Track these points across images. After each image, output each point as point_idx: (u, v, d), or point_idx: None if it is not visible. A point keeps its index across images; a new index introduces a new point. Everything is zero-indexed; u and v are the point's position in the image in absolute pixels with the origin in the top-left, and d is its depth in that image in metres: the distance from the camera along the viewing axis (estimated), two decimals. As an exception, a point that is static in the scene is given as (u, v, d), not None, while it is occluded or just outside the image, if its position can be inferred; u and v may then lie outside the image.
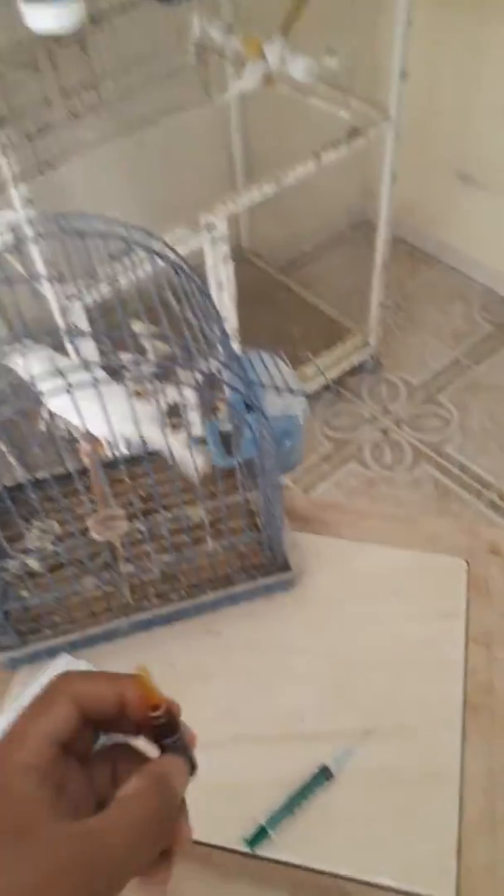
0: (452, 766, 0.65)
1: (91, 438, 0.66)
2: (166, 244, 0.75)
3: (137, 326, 0.72)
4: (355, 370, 2.23)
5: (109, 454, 0.81)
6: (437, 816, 0.63)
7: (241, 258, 2.56)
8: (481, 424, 2.08)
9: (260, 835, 0.60)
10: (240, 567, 0.77)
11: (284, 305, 2.36)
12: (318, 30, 1.71)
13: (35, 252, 1.27)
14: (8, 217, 1.24)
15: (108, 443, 0.76)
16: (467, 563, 0.78)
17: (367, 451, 2.05)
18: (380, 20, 2.14)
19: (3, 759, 0.31)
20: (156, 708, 0.34)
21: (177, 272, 0.69)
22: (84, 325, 1.40)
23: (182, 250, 1.60)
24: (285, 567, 0.76)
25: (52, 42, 1.08)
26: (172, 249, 0.76)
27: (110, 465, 0.86)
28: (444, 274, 2.54)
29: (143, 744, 0.37)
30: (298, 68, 1.59)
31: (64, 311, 1.41)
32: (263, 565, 0.77)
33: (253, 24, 1.84)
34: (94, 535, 0.64)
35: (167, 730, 0.35)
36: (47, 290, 1.30)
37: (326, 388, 2.15)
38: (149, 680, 0.34)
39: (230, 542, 0.77)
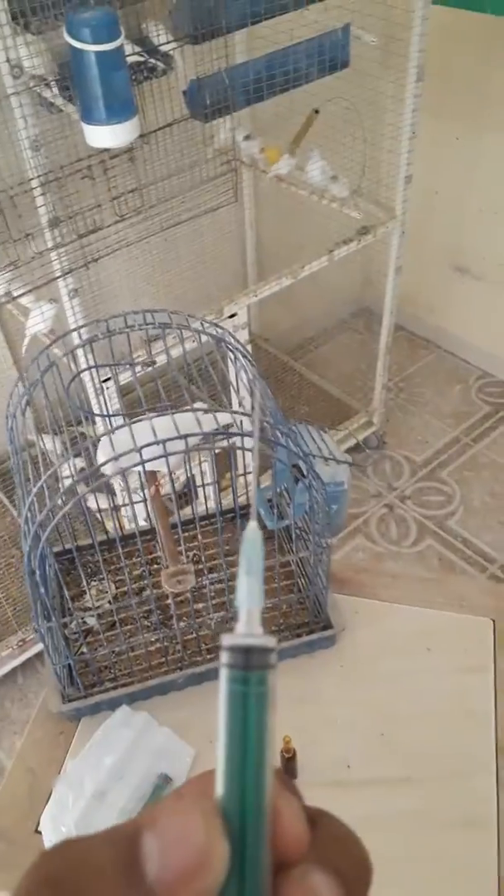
0: (489, 812, 0.70)
1: (152, 479, 0.73)
2: (224, 327, 0.85)
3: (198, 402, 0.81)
4: (360, 448, 2.32)
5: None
6: (475, 861, 0.68)
7: (251, 343, 2.70)
8: (482, 500, 2.17)
9: None
10: (283, 625, 0.84)
11: (293, 387, 2.48)
12: (328, 140, 1.90)
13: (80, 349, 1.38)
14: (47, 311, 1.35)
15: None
16: (493, 621, 0.84)
17: (374, 525, 2.12)
18: (383, 128, 2.36)
19: None
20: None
21: (233, 352, 0.79)
22: (117, 404, 1.49)
23: (195, 344, 1.72)
24: (327, 625, 0.83)
25: (106, 155, 1.22)
26: (229, 333, 0.86)
27: (187, 523, 0.93)
28: (442, 358, 2.69)
29: None
30: (315, 170, 1.76)
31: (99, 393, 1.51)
32: (306, 623, 0.84)
33: (268, 134, 2.03)
34: (166, 588, 0.70)
35: None
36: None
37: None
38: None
39: (277, 601, 0.84)
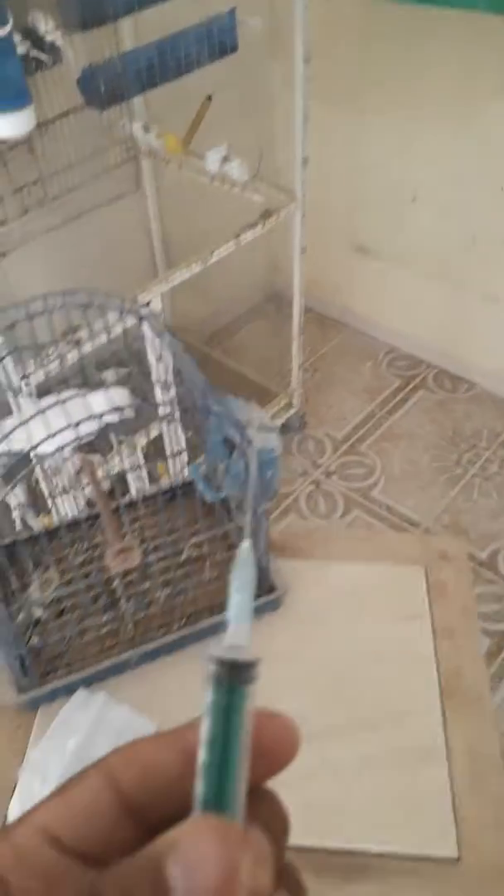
0: (438, 744, 0.75)
1: (87, 462, 0.73)
2: (146, 307, 0.86)
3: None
4: (283, 429, 2.37)
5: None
6: (431, 788, 0.72)
7: (164, 333, 2.69)
8: (401, 468, 2.26)
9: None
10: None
11: (211, 374, 2.48)
12: (223, 127, 1.92)
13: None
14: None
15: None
16: (425, 569, 0.89)
17: (303, 502, 2.17)
18: (275, 113, 2.39)
19: None
20: None
21: (156, 333, 0.80)
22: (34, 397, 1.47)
23: (119, 328, 1.71)
24: (271, 589, 0.85)
25: (4, 146, 1.20)
26: (150, 310, 0.87)
27: (128, 506, 0.92)
28: (352, 336, 2.76)
29: None
30: (213, 156, 1.78)
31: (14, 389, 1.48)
32: (251, 590, 0.86)
33: (164, 122, 2.03)
34: (112, 567, 0.71)
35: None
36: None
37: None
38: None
39: (221, 571, 0.85)
